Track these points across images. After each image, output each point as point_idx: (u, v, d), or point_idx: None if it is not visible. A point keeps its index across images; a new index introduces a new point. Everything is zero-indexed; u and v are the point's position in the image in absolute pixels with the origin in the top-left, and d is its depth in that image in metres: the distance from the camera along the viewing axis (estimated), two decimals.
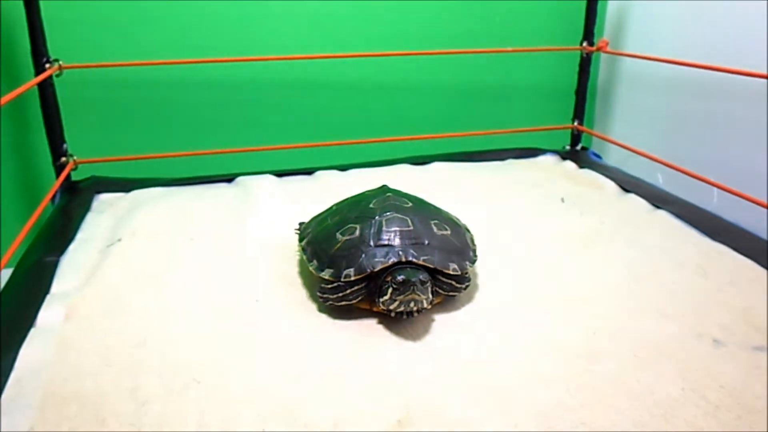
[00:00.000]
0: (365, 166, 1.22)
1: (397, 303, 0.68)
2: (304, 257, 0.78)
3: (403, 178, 1.16)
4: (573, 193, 1.10)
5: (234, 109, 1.30)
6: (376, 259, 0.70)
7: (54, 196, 1.10)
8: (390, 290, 0.68)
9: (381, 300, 0.69)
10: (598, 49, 1.25)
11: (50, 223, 0.97)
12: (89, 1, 1.16)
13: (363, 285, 0.71)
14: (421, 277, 0.67)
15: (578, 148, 1.35)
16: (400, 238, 0.72)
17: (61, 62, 1.07)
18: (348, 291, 0.71)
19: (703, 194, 1.12)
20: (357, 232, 0.74)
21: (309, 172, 1.20)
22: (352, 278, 0.70)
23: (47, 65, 1.06)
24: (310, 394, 0.59)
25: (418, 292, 0.67)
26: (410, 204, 0.78)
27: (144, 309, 0.74)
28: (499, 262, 0.85)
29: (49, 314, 0.72)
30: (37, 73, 1.07)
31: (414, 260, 0.70)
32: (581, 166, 1.22)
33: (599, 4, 1.27)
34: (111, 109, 1.23)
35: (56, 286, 0.79)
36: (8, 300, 0.75)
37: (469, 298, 0.77)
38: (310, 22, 1.27)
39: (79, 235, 0.93)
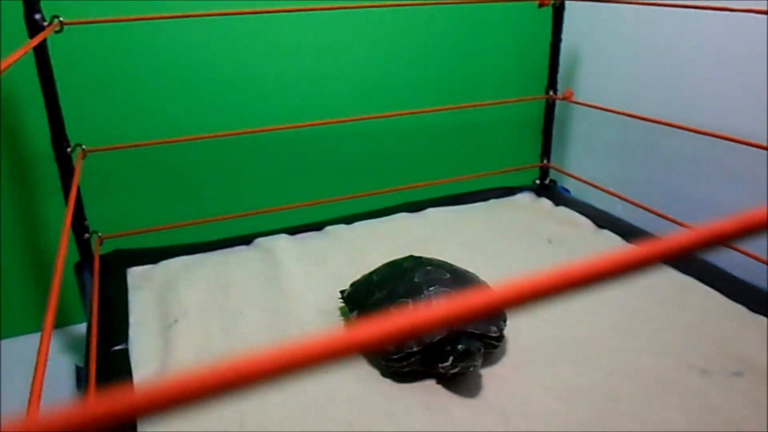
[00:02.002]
0: (367, 218, 1.34)
1: (458, 369, 0.81)
2: None
3: (408, 230, 1.29)
4: (556, 234, 1.26)
5: (234, 166, 1.38)
6: (434, 332, 0.83)
7: (82, 274, 1.15)
8: (452, 358, 0.81)
9: (442, 366, 0.82)
10: (564, 99, 1.42)
11: (99, 309, 1.03)
12: (97, 74, 1.22)
13: (420, 352, 0.84)
14: (477, 345, 0.81)
15: (547, 182, 1.52)
16: None
17: (84, 147, 1.12)
18: (412, 359, 0.84)
19: (653, 219, 1.30)
20: (411, 307, 0.86)
21: (318, 227, 1.30)
22: (414, 349, 0.83)
23: (68, 149, 1.11)
24: None
25: (477, 359, 0.80)
26: (448, 275, 0.91)
27: None
28: (519, 313, 1.00)
29: None
30: (58, 156, 1.11)
31: (464, 329, 0.84)
32: (557, 204, 1.39)
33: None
34: (115, 177, 1.29)
35: (137, 376, 0.87)
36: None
37: (503, 351, 0.91)
38: (300, 84, 1.38)
39: (132, 319, 1.00)
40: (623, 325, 0.96)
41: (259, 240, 1.25)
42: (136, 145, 1.20)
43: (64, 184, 1.14)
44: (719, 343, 0.92)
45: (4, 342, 1.32)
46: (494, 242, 1.23)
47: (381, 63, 1.44)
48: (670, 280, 1.09)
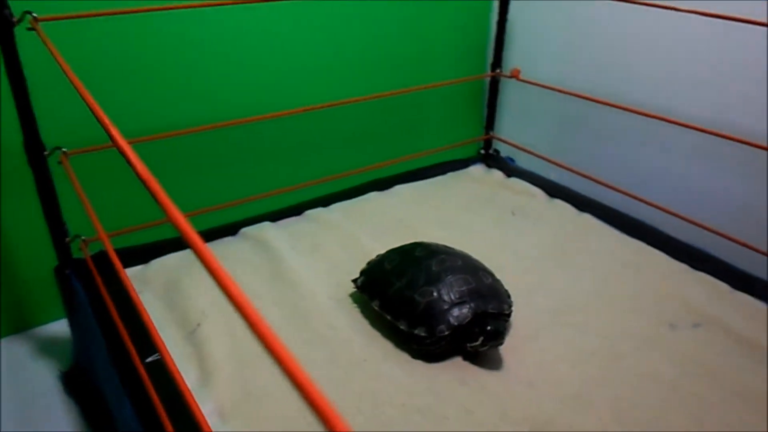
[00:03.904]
0: (340, 198, 1.39)
1: (487, 347, 0.92)
2: (387, 317, 0.98)
3: (383, 210, 1.36)
4: (517, 204, 1.40)
5: (206, 158, 1.36)
6: (462, 316, 0.93)
7: (68, 279, 1.11)
8: (481, 338, 0.91)
9: (471, 345, 0.93)
10: (512, 76, 1.52)
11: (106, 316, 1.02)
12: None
13: (451, 335, 0.94)
14: (503, 324, 0.92)
15: (491, 151, 1.64)
16: (469, 295, 0.95)
17: (64, 149, 1.06)
18: (443, 342, 0.93)
19: (582, 182, 1.48)
20: (435, 294, 0.95)
21: (297, 211, 1.33)
22: (446, 333, 0.92)
23: (45, 153, 1.05)
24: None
25: (503, 337, 0.92)
26: (460, 262, 1.01)
27: (278, 387, 0.89)
28: (509, 286, 1.12)
29: (207, 417, 0.83)
30: (32, 162, 1.05)
31: (485, 311, 0.94)
32: (508, 175, 1.52)
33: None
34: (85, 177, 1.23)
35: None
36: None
37: (509, 324, 1.03)
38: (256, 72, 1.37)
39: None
40: (601, 292, 1.12)
41: (245, 230, 1.26)
42: (111, 146, 1.15)
43: (40, 189, 1.07)
44: (677, 299, 1.10)
45: None
46: (466, 218, 1.34)
47: (329, 47, 1.47)
48: (624, 245, 1.26)
